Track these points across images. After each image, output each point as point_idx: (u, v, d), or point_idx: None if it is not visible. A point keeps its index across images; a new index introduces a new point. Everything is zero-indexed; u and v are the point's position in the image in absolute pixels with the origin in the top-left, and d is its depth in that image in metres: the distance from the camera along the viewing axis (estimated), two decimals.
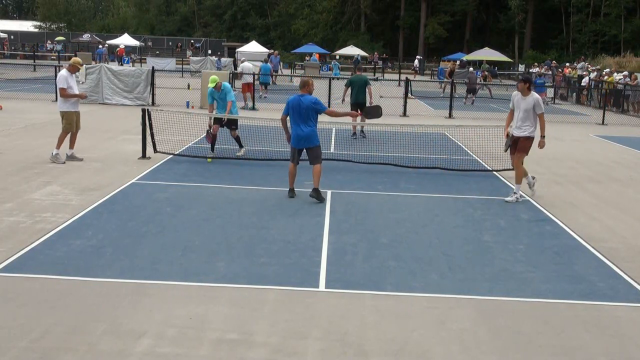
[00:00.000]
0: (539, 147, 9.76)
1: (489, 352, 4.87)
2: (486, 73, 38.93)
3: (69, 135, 11.62)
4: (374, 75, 42.94)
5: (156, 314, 5.28)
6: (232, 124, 12.68)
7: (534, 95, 9.65)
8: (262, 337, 4.96)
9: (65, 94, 11.44)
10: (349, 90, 15.80)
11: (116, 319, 5.16)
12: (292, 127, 9.37)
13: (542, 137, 9.74)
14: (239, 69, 25.82)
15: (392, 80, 35.71)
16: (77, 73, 12.02)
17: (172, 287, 5.86)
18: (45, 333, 4.87)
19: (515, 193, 9.84)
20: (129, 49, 57.44)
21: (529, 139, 9.76)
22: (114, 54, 52.52)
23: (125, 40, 61.42)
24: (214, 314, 5.33)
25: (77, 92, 11.74)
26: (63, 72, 11.60)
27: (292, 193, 9.50)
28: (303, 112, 9.19)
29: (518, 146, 9.77)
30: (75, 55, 43.40)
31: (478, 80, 31.92)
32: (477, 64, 48.36)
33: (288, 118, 9.45)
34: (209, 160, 12.14)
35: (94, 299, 5.54)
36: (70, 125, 11.54)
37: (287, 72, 45.23)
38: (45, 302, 5.44)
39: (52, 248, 6.81)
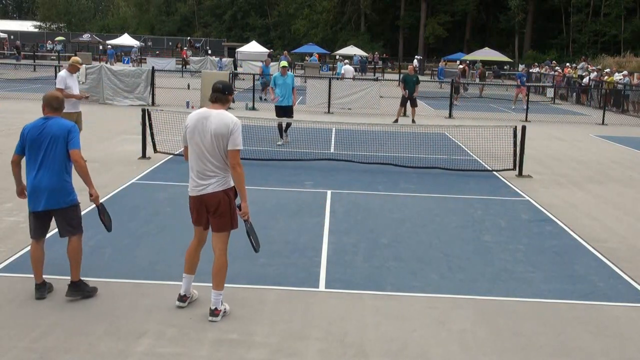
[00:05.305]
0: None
1: (489, 353, 4.86)
2: (482, 69, 38.83)
3: None
4: (374, 75, 42.94)
5: (156, 314, 5.28)
6: (289, 113, 14.17)
7: (224, 114, 5.07)
8: (262, 337, 4.95)
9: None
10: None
11: (116, 319, 5.16)
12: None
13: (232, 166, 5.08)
14: (341, 71, 27.32)
15: (392, 80, 35.66)
16: (77, 73, 11.92)
17: (172, 287, 5.86)
18: (45, 333, 4.87)
19: (221, 304, 5.28)
20: (129, 49, 57.41)
21: (228, 196, 5.14)
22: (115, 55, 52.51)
23: (125, 40, 61.40)
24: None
25: (76, 92, 11.52)
26: (62, 72, 11.39)
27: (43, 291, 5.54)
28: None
29: (213, 219, 5.21)
30: (75, 55, 43.50)
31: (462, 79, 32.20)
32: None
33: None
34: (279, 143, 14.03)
35: (94, 299, 5.54)
36: None
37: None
38: (45, 302, 5.44)
39: (51, 248, 6.80)
